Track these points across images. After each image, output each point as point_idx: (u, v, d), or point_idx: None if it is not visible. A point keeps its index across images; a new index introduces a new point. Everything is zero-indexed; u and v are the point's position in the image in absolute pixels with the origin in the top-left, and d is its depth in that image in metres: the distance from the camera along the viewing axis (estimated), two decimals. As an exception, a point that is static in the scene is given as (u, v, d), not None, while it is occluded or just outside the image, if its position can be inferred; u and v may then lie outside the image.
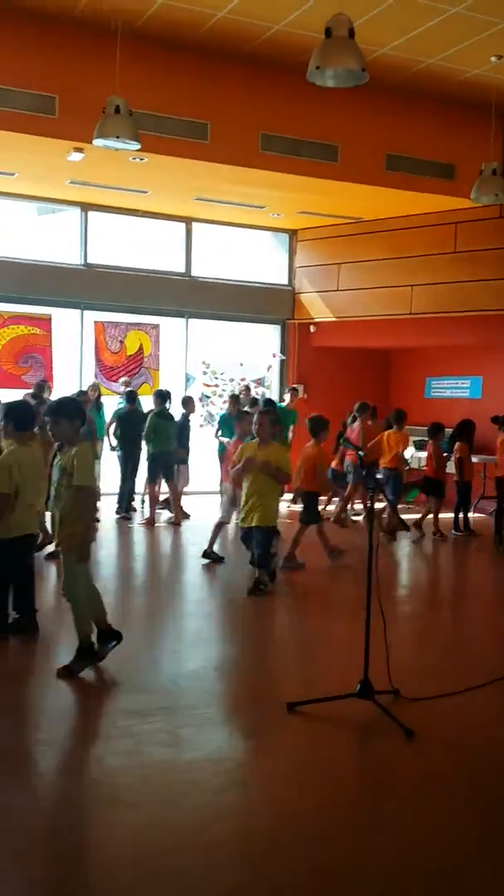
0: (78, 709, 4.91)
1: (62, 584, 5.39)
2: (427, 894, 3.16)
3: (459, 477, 10.94)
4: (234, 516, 8.47)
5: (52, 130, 9.46)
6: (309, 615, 7.23)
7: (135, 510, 11.60)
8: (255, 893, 3.11)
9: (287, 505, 12.34)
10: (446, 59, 9.99)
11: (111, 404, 12.35)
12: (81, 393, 11.06)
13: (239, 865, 3.26)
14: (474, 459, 11.33)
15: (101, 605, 5.52)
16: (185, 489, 11.76)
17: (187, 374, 14.08)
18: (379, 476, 10.91)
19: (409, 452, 11.17)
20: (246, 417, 9.30)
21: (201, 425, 13.31)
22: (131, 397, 11.60)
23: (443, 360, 14.15)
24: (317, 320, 14.50)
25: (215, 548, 8.74)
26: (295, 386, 13.81)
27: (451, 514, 11.04)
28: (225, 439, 11.55)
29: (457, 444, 10.98)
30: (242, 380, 14.29)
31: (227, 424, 11.83)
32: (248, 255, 14.80)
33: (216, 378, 14.34)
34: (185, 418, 11.61)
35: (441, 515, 10.94)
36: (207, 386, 14.24)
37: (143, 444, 11.10)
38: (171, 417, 11.14)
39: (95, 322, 13.29)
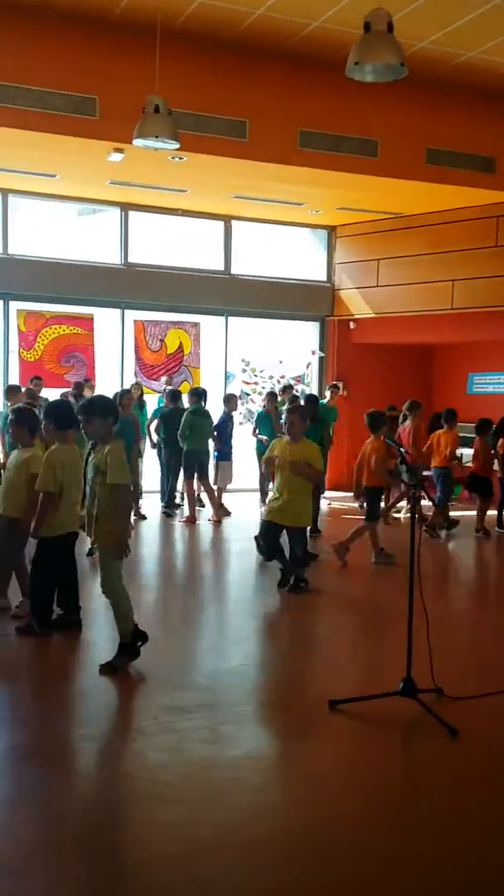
0: (120, 705, 4.95)
1: (101, 582, 5.42)
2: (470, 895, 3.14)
3: (503, 473, 10.84)
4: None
5: (92, 131, 9.54)
6: (350, 613, 7.21)
7: (178, 506, 11.65)
8: (300, 893, 3.11)
9: (328, 503, 12.31)
10: (485, 52, 9.87)
11: (152, 403, 12.44)
12: (125, 392, 11.16)
13: (280, 865, 3.27)
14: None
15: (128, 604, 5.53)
16: (228, 486, 11.79)
17: (227, 371, 14.11)
18: (428, 474, 10.89)
19: (458, 451, 11.08)
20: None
21: (240, 423, 13.34)
22: (174, 396, 11.66)
23: (485, 356, 14.00)
24: (356, 317, 14.44)
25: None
26: (335, 383, 13.77)
27: (496, 512, 10.92)
28: (263, 437, 11.56)
29: (500, 441, 10.86)
30: (282, 377, 14.29)
31: (263, 422, 11.85)
32: (287, 252, 14.78)
33: (255, 375, 14.36)
34: (227, 416, 11.65)
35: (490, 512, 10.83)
36: (247, 384, 14.26)
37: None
38: (207, 415, 11.18)
39: (135, 321, 13.38)
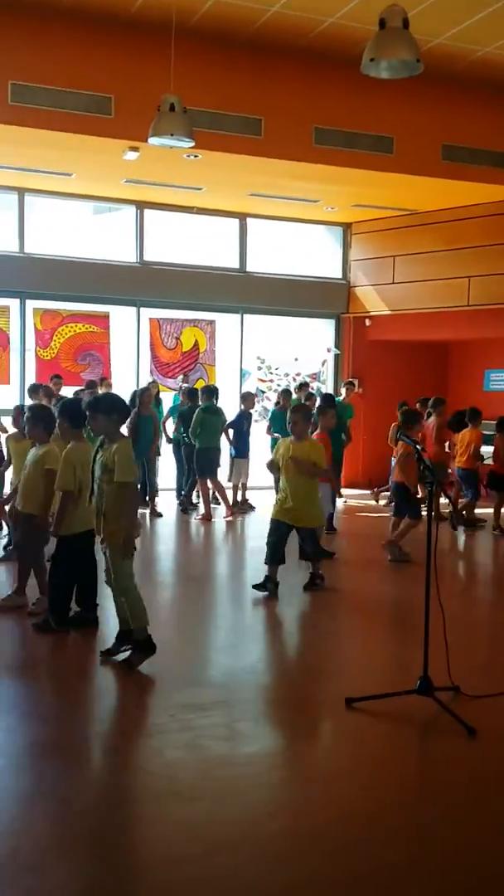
0: (136, 702, 4.96)
1: (112, 581, 5.42)
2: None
3: None
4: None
5: (108, 130, 9.56)
6: (366, 610, 7.19)
7: (195, 505, 11.67)
8: (312, 892, 3.12)
9: (344, 500, 12.30)
10: (502, 47, 9.82)
11: (167, 401, 12.47)
12: (144, 391, 11.22)
13: (296, 863, 3.27)
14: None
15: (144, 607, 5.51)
16: (246, 483, 11.82)
17: (242, 369, 14.11)
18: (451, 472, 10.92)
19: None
20: (329, 412, 9.37)
21: (256, 420, 13.34)
22: (192, 394, 11.70)
23: (502, 352, 13.91)
24: (372, 314, 14.40)
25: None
26: (351, 380, 13.76)
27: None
28: (277, 434, 11.57)
29: None
30: (298, 375, 14.28)
31: (277, 420, 11.85)
32: (303, 249, 14.76)
33: (271, 373, 14.35)
34: (243, 413, 11.68)
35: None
36: (262, 381, 14.26)
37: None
38: (219, 412, 11.21)
39: (151, 319, 13.41)
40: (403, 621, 6.62)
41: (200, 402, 11.18)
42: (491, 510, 10.74)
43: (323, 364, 14.78)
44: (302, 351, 14.61)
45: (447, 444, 11.09)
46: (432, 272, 13.42)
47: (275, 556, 7.25)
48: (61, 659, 5.67)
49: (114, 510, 5.21)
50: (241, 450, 11.54)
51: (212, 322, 13.82)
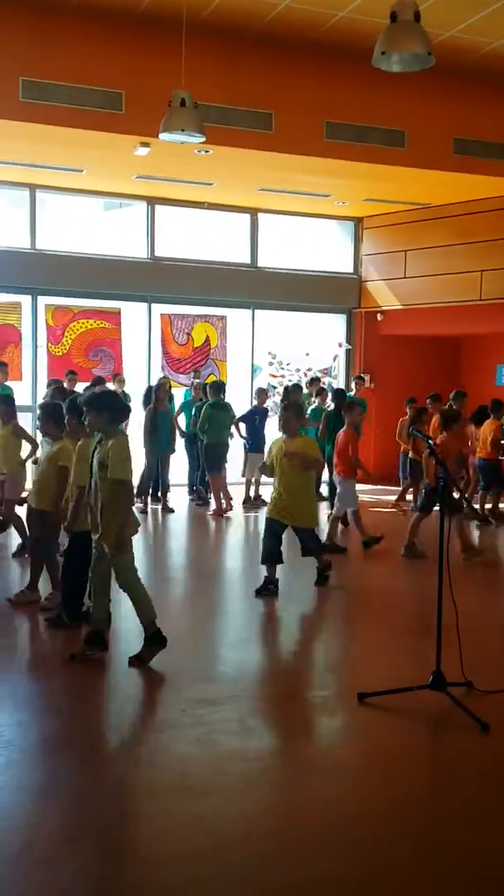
0: (149, 697, 4.98)
1: (115, 577, 5.40)
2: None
3: None
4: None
5: (119, 126, 9.57)
6: (379, 605, 7.18)
7: (205, 501, 11.69)
8: (321, 889, 3.12)
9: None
10: (515, 38, 9.77)
11: (178, 397, 12.48)
12: (160, 386, 11.26)
13: (308, 859, 3.27)
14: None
15: (107, 603, 5.48)
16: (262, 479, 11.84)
17: (254, 364, 14.10)
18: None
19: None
20: (355, 409, 9.34)
21: (270, 416, 13.33)
22: (205, 390, 11.73)
23: (515, 347, 13.88)
24: (384, 308, 14.36)
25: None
26: (360, 374, 13.74)
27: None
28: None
29: None
30: (309, 370, 14.26)
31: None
32: (314, 244, 14.73)
33: (282, 368, 14.34)
34: (255, 409, 11.69)
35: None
36: (274, 377, 14.24)
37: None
38: (227, 408, 11.24)
39: (162, 315, 13.41)
40: (416, 616, 6.61)
41: (208, 398, 11.22)
42: None
43: (334, 359, 14.75)
44: (313, 346, 14.58)
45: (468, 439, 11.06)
46: (444, 266, 13.36)
47: (271, 555, 7.15)
48: (74, 654, 5.69)
49: (109, 507, 5.21)
50: (255, 444, 11.55)
51: (223, 317, 13.82)
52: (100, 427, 5.29)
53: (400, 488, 11.92)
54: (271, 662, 5.70)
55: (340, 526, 9.21)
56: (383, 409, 13.65)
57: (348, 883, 3.12)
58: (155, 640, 5.33)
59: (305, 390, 12.61)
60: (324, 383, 13.79)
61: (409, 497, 11.88)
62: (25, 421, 11.10)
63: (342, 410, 11.19)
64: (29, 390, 12.37)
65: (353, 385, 13.26)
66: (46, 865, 3.17)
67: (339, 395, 11.45)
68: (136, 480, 12.15)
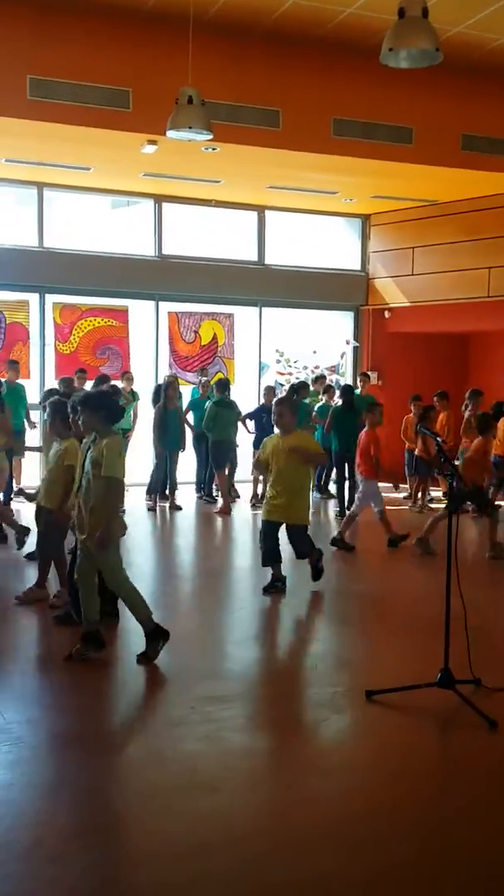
0: (157, 694, 4.99)
1: (103, 576, 5.40)
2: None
3: None
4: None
5: (126, 124, 9.56)
6: (387, 602, 7.18)
7: (214, 499, 11.70)
8: (331, 884, 3.12)
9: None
10: (523, 34, 9.73)
11: (185, 395, 12.48)
12: (169, 385, 11.28)
13: (315, 857, 3.27)
14: None
15: (97, 602, 5.46)
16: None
17: (261, 362, 14.10)
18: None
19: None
20: (377, 408, 9.33)
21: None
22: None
23: (523, 344, 13.84)
24: (391, 306, 14.34)
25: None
26: (366, 372, 13.75)
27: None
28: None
29: None
30: (316, 367, 14.25)
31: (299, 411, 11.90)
32: (321, 241, 14.71)
33: (290, 366, 14.33)
34: (264, 407, 11.70)
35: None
36: (281, 374, 14.24)
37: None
38: (232, 406, 11.26)
39: (169, 313, 13.42)
40: (424, 614, 6.59)
41: (214, 395, 11.26)
42: None
43: (342, 357, 14.73)
44: (321, 344, 14.57)
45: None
46: (452, 263, 13.33)
47: (270, 555, 7.09)
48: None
49: (100, 505, 5.21)
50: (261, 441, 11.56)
51: (230, 315, 13.82)
52: (94, 426, 5.32)
53: (406, 485, 11.89)
54: (279, 660, 5.70)
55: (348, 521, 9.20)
56: (391, 406, 13.56)
57: (355, 881, 3.12)
58: (156, 635, 5.33)
59: (312, 388, 12.59)
60: (331, 381, 13.78)
61: (429, 493, 11.91)
62: (33, 418, 11.17)
63: (353, 407, 11.22)
64: (37, 388, 12.38)
65: (358, 382, 13.25)
66: (56, 862, 3.18)
67: (346, 391, 11.46)
68: (135, 480, 12.25)
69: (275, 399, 8.97)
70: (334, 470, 11.51)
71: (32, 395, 11.55)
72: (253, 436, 11.61)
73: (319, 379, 13.12)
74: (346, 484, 10.93)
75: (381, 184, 12.23)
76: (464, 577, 4.65)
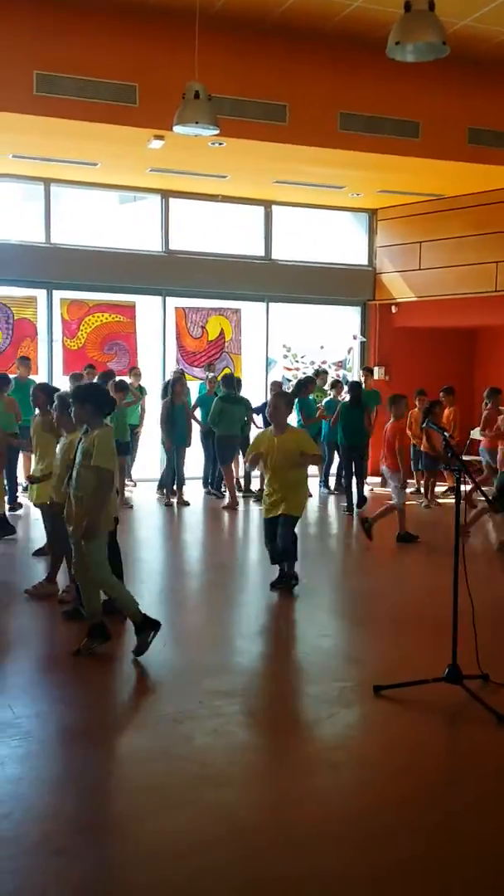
0: (166, 688, 5.00)
1: (90, 569, 5.41)
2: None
3: None
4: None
5: (133, 119, 9.55)
6: (394, 597, 7.18)
7: (221, 494, 11.73)
8: (338, 878, 3.13)
9: (370, 488, 12.27)
10: (531, 27, 9.68)
11: (193, 390, 12.49)
12: (177, 380, 11.29)
13: (323, 851, 3.28)
14: None
15: (99, 597, 5.48)
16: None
17: (268, 357, 14.10)
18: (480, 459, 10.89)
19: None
20: (401, 401, 9.27)
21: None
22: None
23: (531, 338, 13.80)
24: (398, 300, 14.30)
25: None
26: (368, 367, 13.75)
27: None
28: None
29: None
30: (323, 362, 14.23)
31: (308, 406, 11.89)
32: (328, 236, 14.68)
33: (297, 361, 14.32)
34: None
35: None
36: (288, 369, 14.23)
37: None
38: (238, 401, 11.26)
39: (176, 308, 13.41)
40: (432, 609, 6.60)
41: (220, 390, 11.28)
42: None
43: (349, 351, 14.72)
44: (328, 339, 14.55)
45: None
46: (459, 258, 13.29)
47: (278, 553, 7.08)
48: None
49: (91, 496, 5.22)
50: None
51: (237, 310, 13.81)
52: (84, 419, 5.36)
53: (413, 480, 11.88)
54: (287, 654, 5.71)
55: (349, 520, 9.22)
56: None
57: (362, 875, 3.13)
58: (144, 626, 5.32)
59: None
60: (338, 375, 13.77)
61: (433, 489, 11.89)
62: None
63: (360, 402, 11.22)
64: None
65: (359, 376, 13.24)
66: (63, 855, 3.19)
67: (354, 387, 11.45)
68: (144, 476, 12.27)
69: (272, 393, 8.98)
70: (340, 464, 11.51)
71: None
72: (261, 430, 11.64)
73: (320, 374, 13.10)
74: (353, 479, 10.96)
75: (388, 178, 12.20)
76: (471, 572, 4.64)
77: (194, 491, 11.79)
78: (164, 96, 8.96)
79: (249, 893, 3.01)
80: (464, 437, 11.29)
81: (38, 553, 7.94)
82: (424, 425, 11.25)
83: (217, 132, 8.44)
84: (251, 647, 5.82)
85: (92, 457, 5.20)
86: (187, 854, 3.22)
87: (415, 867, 3.17)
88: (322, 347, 14.45)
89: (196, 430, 11.77)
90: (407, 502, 9.18)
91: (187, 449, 11.42)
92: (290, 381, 14.05)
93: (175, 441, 11.08)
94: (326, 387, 12.90)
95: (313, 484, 12.30)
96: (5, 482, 8.50)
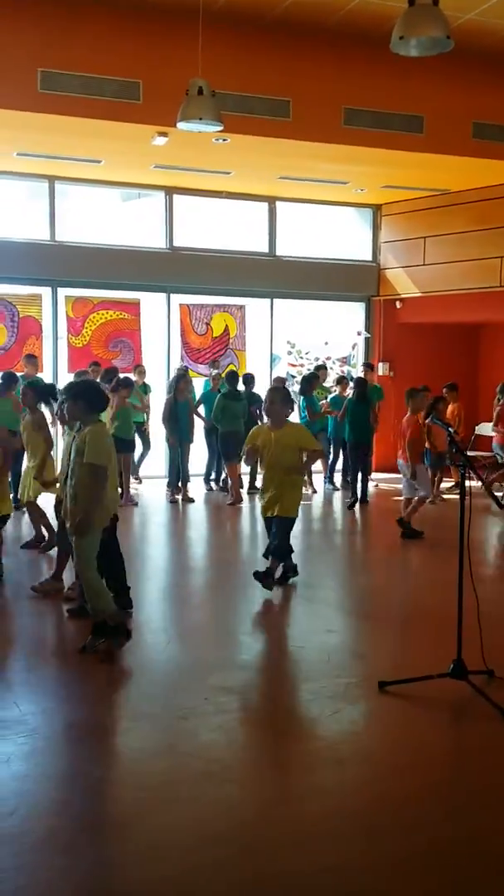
0: (171, 685, 5.00)
1: (75, 564, 5.42)
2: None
3: None
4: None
5: (136, 116, 9.55)
6: (399, 592, 7.18)
7: (226, 490, 11.75)
8: (341, 874, 3.13)
9: (375, 484, 12.26)
10: (535, 21, 9.65)
11: (197, 387, 12.50)
12: (181, 378, 11.30)
13: (328, 846, 3.28)
14: None
15: (107, 595, 5.43)
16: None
17: (273, 354, 14.09)
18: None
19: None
20: (419, 395, 9.28)
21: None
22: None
23: (535, 334, 13.77)
24: (403, 296, 14.28)
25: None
26: (369, 363, 13.74)
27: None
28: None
29: None
30: (328, 359, 14.22)
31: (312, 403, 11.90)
32: (332, 232, 14.66)
33: (301, 357, 14.31)
34: None
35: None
36: (293, 366, 14.22)
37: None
38: (240, 397, 11.26)
39: (181, 305, 13.41)
40: (437, 604, 6.59)
41: (224, 387, 11.29)
42: None
43: (353, 347, 14.70)
44: (332, 334, 14.53)
45: None
46: (464, 253, 13.26)
47: (270, 551, 7.05)
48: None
49: (82, 492, 5.23)
50: None
51: (242, 307, 13.80)
52: (77, 415, 5.39)
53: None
54: (291, 650, 5.71)
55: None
56: (402, 396, 13.58)
57: (365, 871, 3.13)
58: (104, 631, 5.29)
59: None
60: (343, 371, 13.75)
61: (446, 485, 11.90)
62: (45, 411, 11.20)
63: (366, 398, 11.21)
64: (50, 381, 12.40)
65: (361, 372, 13.24)
66: (68, 852, 3.20)
67: (360, 383, 11.44)
68: (151, 472, 12.27)
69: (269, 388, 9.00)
70: (346, 460, 11.51)
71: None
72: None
73: (319, 369, 13.08)
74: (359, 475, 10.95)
75: (392, 173, 12.17)
76: (477, 567, 4.64)
77: (196, 487, 11.79)
78: (167, 93, 8.95)
79: (253, 889, 3.02)
80: (468, 432, 11.26)
81: (45, 549, 7.97)
82: (428, 421, 11.26)
83: (221, 128, 8.43)
84: (256, 643, 5.82)
85: (84, 454, 5.20)
86: (192, 849, 3.23)
87: (419, 863, 3.17)
88: (326, 343, 14.44)
89: (200, 426, 11.79)
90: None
91: (191, 445, 11.43)
92: (294, 377, 14.06)
93: (177, 438, 11.10)
94: (330, 383, 12.89)
95: (318, 480, 12.32)
96: (10, 482, 8.53)
